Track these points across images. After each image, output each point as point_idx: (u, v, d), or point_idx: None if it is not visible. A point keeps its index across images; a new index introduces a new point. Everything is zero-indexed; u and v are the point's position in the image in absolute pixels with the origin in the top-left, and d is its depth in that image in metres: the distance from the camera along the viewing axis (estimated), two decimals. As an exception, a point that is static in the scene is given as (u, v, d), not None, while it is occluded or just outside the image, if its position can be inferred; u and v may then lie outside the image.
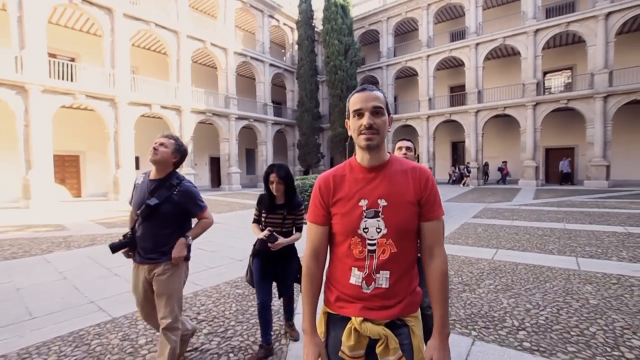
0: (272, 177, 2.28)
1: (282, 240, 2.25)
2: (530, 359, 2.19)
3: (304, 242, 1.23)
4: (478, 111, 19.33)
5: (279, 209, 2.35)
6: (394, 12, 22.63)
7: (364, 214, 1.05)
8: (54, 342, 2.50)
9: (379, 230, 1.04)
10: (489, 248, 5.19)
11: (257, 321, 2.47)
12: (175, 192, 1.99)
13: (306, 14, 22.68)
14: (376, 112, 1.04)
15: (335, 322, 1.10)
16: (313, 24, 23.17)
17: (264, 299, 2.31)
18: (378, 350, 1.02)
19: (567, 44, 19.01)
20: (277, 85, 24.86)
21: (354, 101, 1.07)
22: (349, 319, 1.05)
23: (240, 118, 20.46)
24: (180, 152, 2.06)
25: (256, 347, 2.39)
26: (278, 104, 24.83)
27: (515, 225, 7.00)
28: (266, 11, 22.01)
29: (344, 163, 1.17)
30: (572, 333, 2.51)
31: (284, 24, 23.83)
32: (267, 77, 22.43)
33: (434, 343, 1.05)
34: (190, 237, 2.05)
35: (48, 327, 2.76)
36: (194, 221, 2.17)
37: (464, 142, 20.55)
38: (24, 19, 11.87)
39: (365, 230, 1.05)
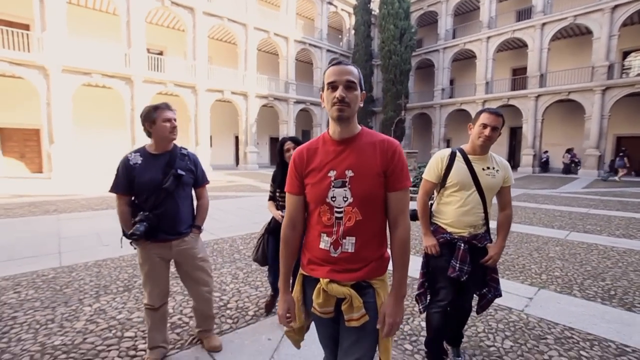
0: (288, 144, 2.34)
1: None
2: (474, 275, 3.44)
3: None
4: (539, 96, 18.56)
5: None
6: (454, -8, 22.09)
7: (332, 183, 1.12)
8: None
9: (345, 199, 1.11)
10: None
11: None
12: (188, 161, 1.97)
13: (363, -1, 23.20)
14: (349, 86, 1.09)
15: (309, 283, 1.22)
16: (370, 8, 23.62)
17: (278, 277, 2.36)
18: (343, 307, 1.12)
19: (655, 19, 17.06)
20: (333, 70, 26.02)
21: (329, 74, 1.12)
22: (319, 280, 1.15)
23: (298, 102, 22.25)
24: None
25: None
26: (333, 88, 26.08)
27: (539, 208, 7.65)
28: (325, -2, 23.05)
29: (318, 137, 1.26)
30: (515, 267, 3.68)
31: (342, 10, 24.65)
32: (324, 62, 23.72)
33: (389, 300, 1.14)
34: (202, 227, 2.08)
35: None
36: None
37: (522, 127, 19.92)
38: (131, 23, 14.73)
39: (333, 199, 1.12)
